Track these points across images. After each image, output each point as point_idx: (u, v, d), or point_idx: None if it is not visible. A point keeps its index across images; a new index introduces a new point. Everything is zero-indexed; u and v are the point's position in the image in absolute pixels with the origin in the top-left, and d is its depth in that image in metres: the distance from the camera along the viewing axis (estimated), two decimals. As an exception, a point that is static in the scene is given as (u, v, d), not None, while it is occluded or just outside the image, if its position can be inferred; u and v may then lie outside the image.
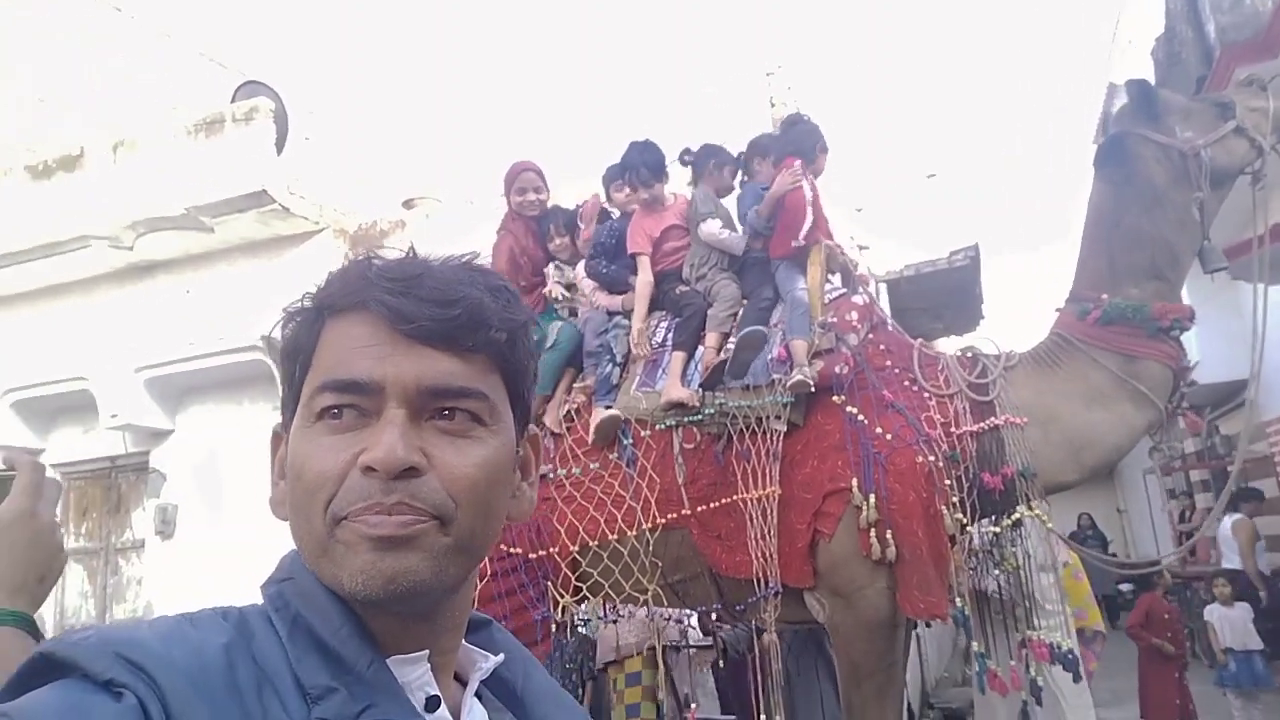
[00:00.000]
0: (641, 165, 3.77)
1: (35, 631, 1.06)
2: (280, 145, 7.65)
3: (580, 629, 4.95)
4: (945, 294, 10.72)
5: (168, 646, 0.67)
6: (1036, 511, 3.03)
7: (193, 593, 7.89)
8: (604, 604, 3.79)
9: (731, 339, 3.42)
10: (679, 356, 3.44)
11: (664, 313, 3.68)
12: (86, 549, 8.19)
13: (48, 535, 1.12)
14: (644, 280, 3.69)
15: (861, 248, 9.72)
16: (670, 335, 3.53)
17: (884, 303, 9.89)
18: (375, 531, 0.73)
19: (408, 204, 8.17)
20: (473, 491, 0.78)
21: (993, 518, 3.20)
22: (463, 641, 0.87)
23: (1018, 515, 3.05)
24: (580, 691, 5.75)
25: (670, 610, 4.65)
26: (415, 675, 0.77)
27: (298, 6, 12.76)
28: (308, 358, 0.81)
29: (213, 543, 7.60)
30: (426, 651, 0.78)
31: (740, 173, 3.92)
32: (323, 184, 8.04)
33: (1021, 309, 3.36)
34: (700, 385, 3.33)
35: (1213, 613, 7.57)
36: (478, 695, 0.86)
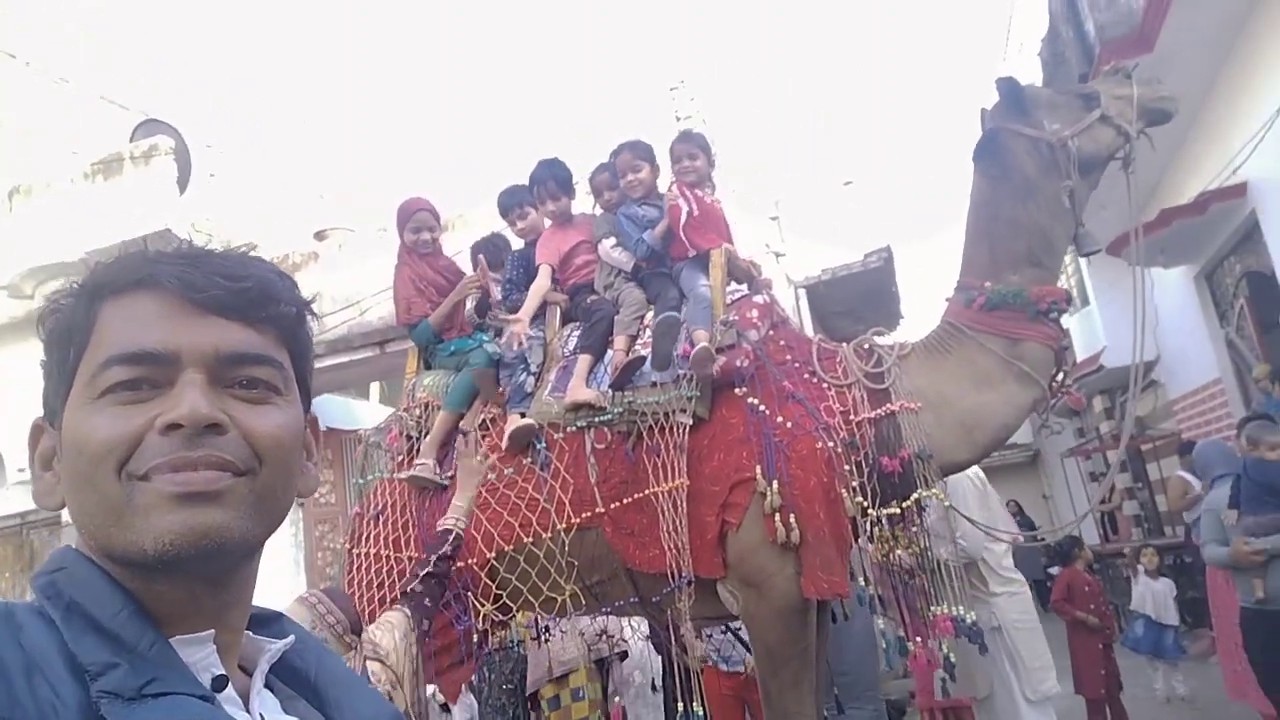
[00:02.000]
0: (550, 179, 3.87)
1: None
2: (183, 183, 7.53)
3: (512, 649, 4.94)
4: (862, 296, 11.02)
5: None
6: (934, 491, 3.15)
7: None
8: (534, 620, 3.82)
9: (643, 336, 3.50)
10: (584, 359, 3.51)
11: (575, 324, 3.75)
12: (0, 611, 7.85)
13: None
14: (538, 285, 3.78)
15: (777, 255, 9.95)
16: (615, 328, 3.58)
17: (804, 307, 10.14)
18: (183, 489, 0.73)
19: (319, 235, 8.11)
20: (277, 449, 0.79)
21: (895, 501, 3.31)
22: (249, 633, 0.86)
23: (916, 496, 3.16)
24: (517, 714, 5.71)
25: (601, 623, 4.70)
26: (200, 655, 0.76)
27: (197, 43, 12.54)
28: (83, 339, 0.78)
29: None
30: (211, 632, 0.77)
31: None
32: (230, 220, 7.92)
33: (941, 299, 3.55)
34: (610, 386, 3.39)
35: (1140, 582, 7.88)
36: (268, 686, 0.84)
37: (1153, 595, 7.68)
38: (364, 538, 3.63)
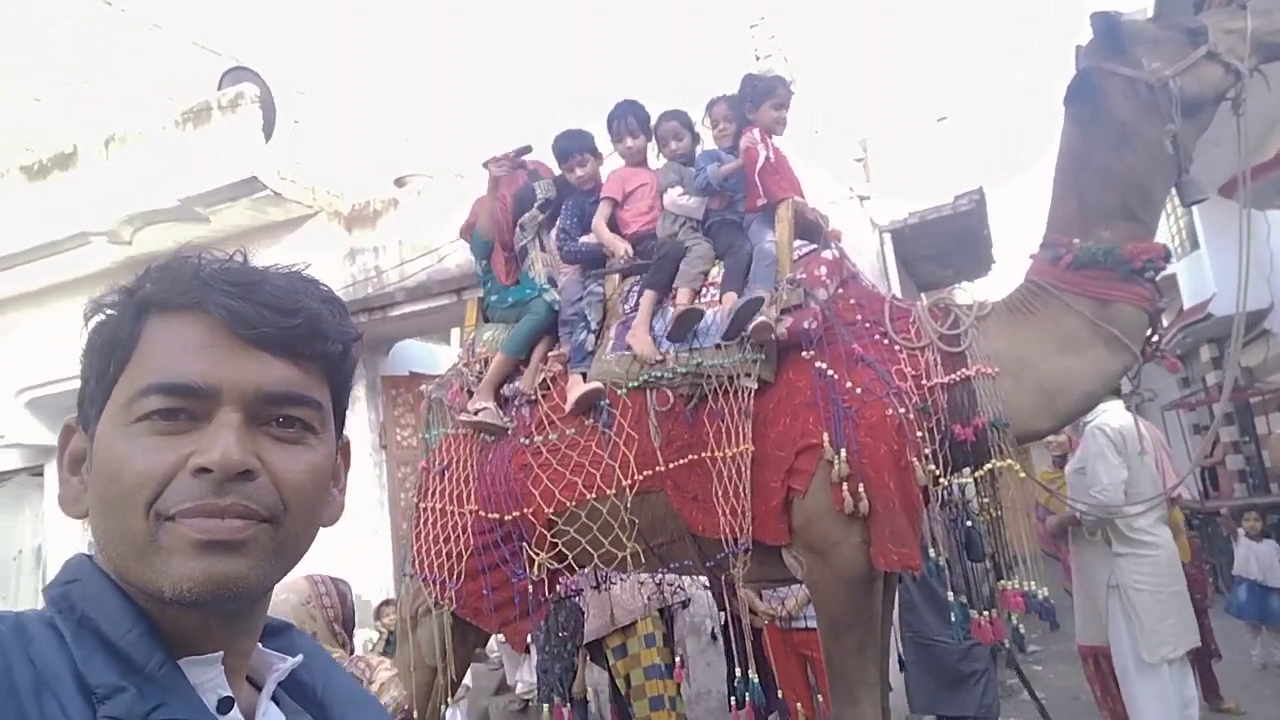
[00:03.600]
0: (630, 114, 3.79)
1: None
2: (268, 131, 7.66)
3: (568, 599, 5.03)
4: (952, 240, 10.59)
5: None
6: (1009, 462, 3.01)
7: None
8: (593, 572, 3.85)
9: (707, 295, 3.41)
10: (649, 296, 3.44)
11: (636, 278, 3.66)
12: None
13: None
14: (600, 218, 3.73)
15: (861, 198, 9.60)
16: (677, 280, 3.50)
17: (889, 253, 9.80)
18: (207, 536, 0.73)
19: (399, 182, 8.17)
20: (301, 496, 0.80)
21: (967, 469, 3.18)
22: (259, 646, 0.87)
23: (990, 466, 3.03)
24: (573, 662, 5.84)
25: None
26: (208, 677, 0.77)
27: (285, -12, 12.69)
28: (126, 353, 0.79)
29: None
30: (220, 654, 0.78)
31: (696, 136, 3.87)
32: (314, 167, 8.05)
33: (1036, 243, 3.38)
34: (669, 338, 3.32)
35: (1241, 545, 7.53)
36: (275, 700, 0.85)
37: (1256, 557, 7.32)
38: (430, 493, 3.69)
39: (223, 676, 0.78)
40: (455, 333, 9.05)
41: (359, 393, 7.81)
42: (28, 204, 7.95)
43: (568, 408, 3.45)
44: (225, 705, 0.77)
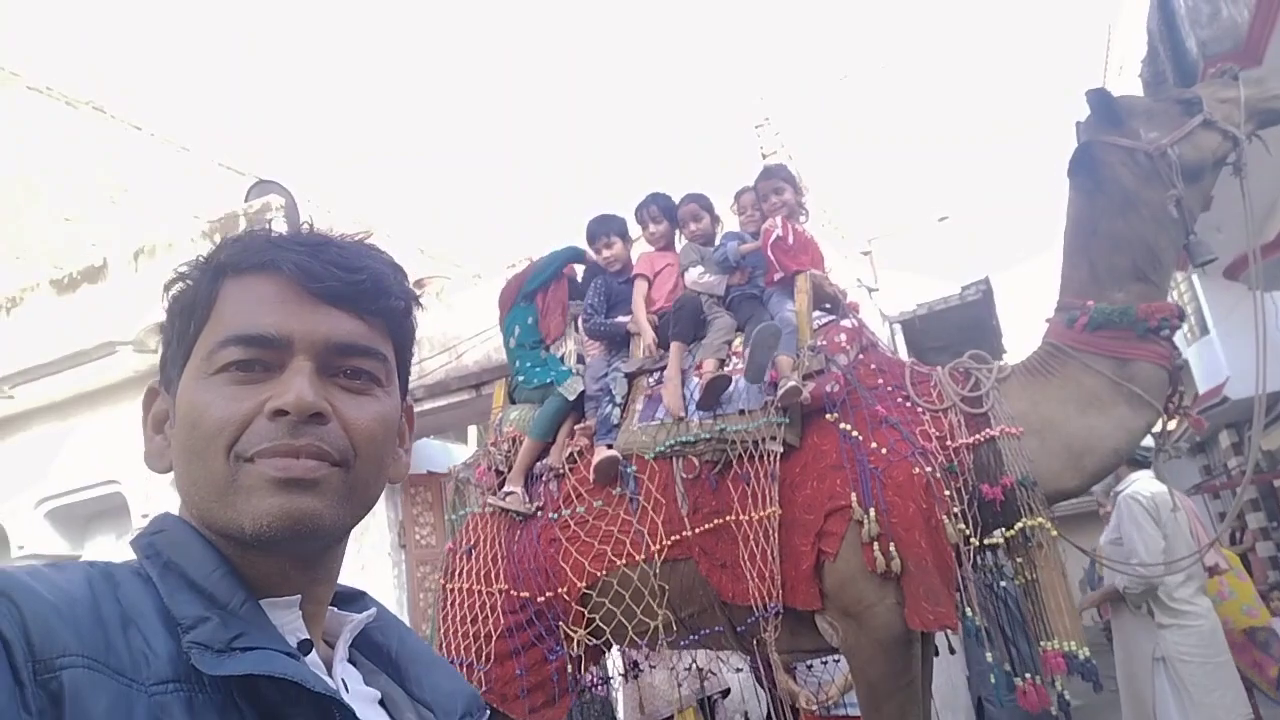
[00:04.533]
0: (654, 203, 4.01)
1: None
2: (292, 238, 7.91)
3: (607, 682, 4.91)
4: (961, 329, 10.69)
5: (33, 578, 0.69)
6: (1040, 520, 3.00)
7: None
8: (624, 657, 3.77)
9: (730, 364, 3.48)
10: (676, 347, 3.55)
11: (664, 352, 3.75)
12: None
13: None
14: (638, 296, 3.85)
15: (870, 290, 9.78)
16: (701, 352, 3.59)
17: (900, 343, 9.91)
18: (284, 474, 0.77)
19: (418, 284, 8.36)
20: (371, 443, 0.83)
21: (998, 532, 3.16)
22: (333, 608, 0.89)
23: (1021, 525, 3.01)
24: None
25: (700, 659, 4.62)
26: (287, 619, 0.80)
27: (305, 108, 13.31)
28: (204, 313, 0.83)
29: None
30: (298, 596, 0.81)
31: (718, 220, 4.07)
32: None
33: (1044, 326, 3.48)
34: (697, 407, 3.37)
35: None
36: (350, 660, 0.87)
37: None
38: (457, 573, 3.67)
39: (300, 620, 0.81)
40: (473, 431, 9.10)
41: (377, 491, 7.82)
42: (56, 316, 8.17)
43: (590, 477, 3.48)
44: (305, 647, 0.79)
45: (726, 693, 5.40)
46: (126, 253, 8.28)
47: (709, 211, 4.00)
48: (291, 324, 0.81)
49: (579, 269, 4.20)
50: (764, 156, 7.45)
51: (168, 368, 0.87)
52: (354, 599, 0.94)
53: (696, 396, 3.38)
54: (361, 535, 7.70)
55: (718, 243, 3.94)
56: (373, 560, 7.59)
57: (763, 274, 3.73)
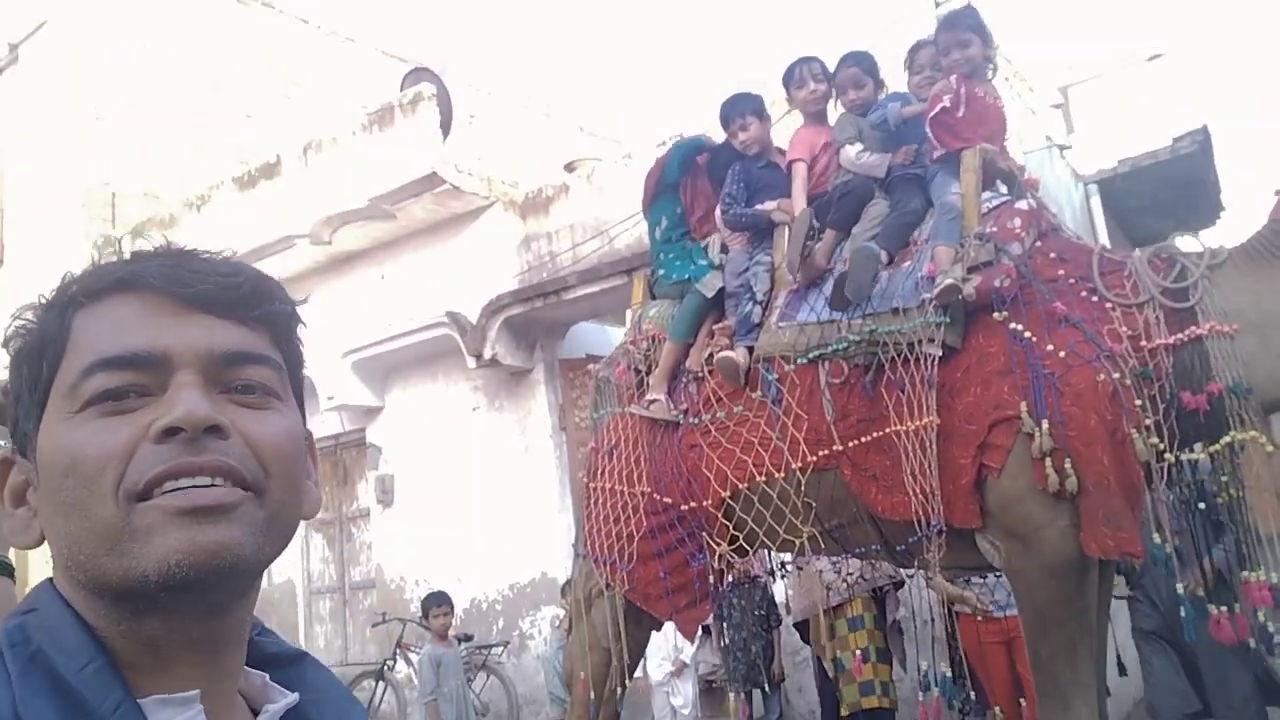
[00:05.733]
0: (813, 60, 3.62)
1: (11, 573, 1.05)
2: (446, 128, 7.91)
3: (770, 576, 4.86)
4: (1172, 188, 9.52)
5: None
6: (1252, 434, 2.56)
7: (415, 554, 8.40)
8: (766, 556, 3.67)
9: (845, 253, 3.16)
10: (830, 235, 3.28)
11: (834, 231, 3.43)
12: (323, 520, 9.03)
13: None
14: (799, 189, 3.49)
15: (1061, 148, 8.78)
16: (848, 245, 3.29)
17: (1096, 206, 8.93)
18: (189, 504, 0.65)
19: (569, 167, 8.25)
20: (282, 460, 0.71)
21: (1199, 444, 2.74)
22: (265, 678, 0.77)
23: (1228, 439, 2.59)
24: (766, 641, 5.69)
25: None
26: (182, 718, 0.66)
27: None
28: (57, 351, 0.71)
29: (428, 507, 8.17)
30: (197, 692, 0.67)
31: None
32: (490, 159, 8.27)
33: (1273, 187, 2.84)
34: (829, 306, 3.09)
35: None
36: None
37: None
38: (600, 472, 3.64)
39: (201, 717, 0.67)
40: (629, 313, 9.08)
41: (538, 376, 7.98)
42: (239, 212, 8.66)
43: (717, 373, 3.31)
44: None
45: (900, 584, 5.25)
46: (297, 148, 8.58)
47: (872, 76, 3.53)
48: (166, 337, 0.69)
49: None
50: (938, 4, 6.64)
51: (20, 425, 0.74)
52: (291, 663, 0.81)
53: (830, 296, 3.09)
54: (524, 418, 7.94)
55: (878, 104, 3.48)
56: (535, 443, 7.82)
57: (930, 148, 3.29)
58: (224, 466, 0.66)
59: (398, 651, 7.54)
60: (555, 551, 7.55)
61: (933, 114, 3.09)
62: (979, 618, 4.51)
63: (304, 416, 0.81)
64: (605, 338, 8.87)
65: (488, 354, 7.59)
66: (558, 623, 7.21)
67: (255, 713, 0.75)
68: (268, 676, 0.77)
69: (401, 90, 8.57)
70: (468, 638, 7.12)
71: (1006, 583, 4.29)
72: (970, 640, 4.52)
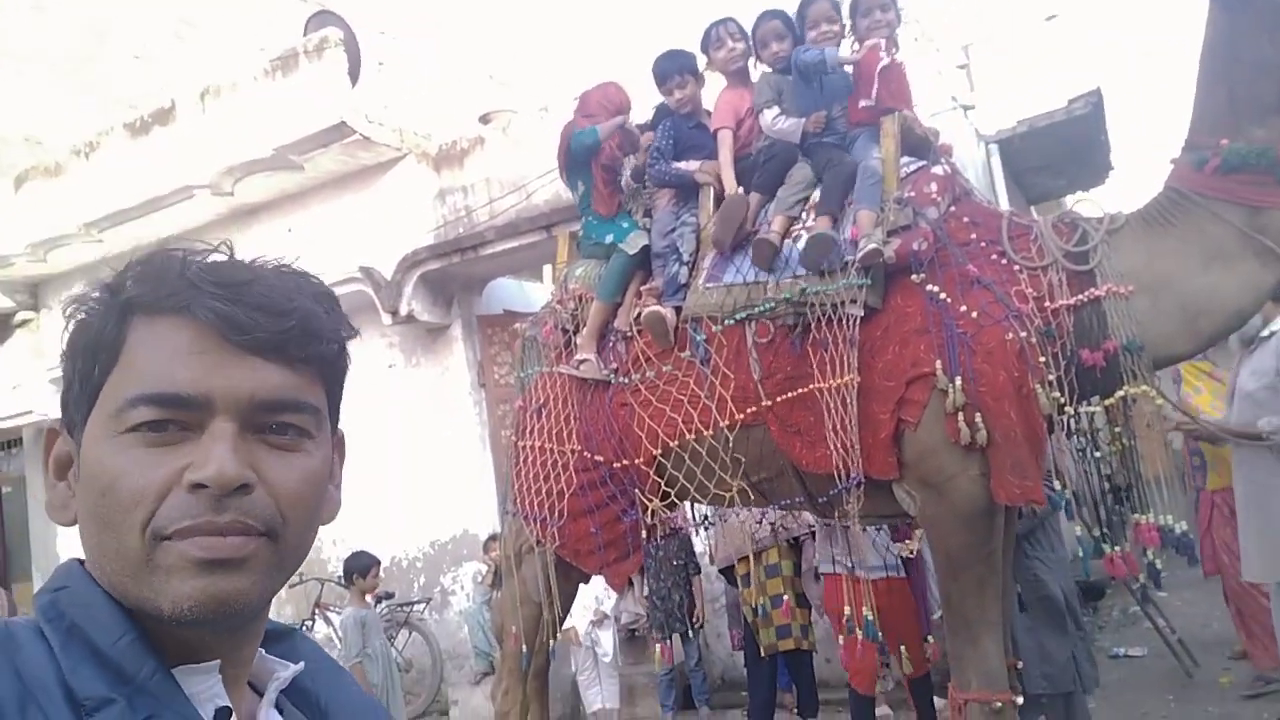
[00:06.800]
0: (729, 20, 3.61)
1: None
2: (354, 75, 7.64)
3: (690, 529, 5.00)
4: (1066, 148, 9.94)
5: None
6: (1144, 388, 2.77)
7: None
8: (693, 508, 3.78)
9: (806, 221, 3.23)
10: (755, 198, 3.36)
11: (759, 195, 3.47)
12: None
13: None
14: (726, 158, 3.52)
15: (965, 108, 9.05)
16: (773, 208, 3.35)
17: (996, 164, 9.25)
18: (207, 555, 0.70)
19: (485, 119, 8.08)
20: (300, 506, 0.77)
21: (1096, 398, 2.95)
22: (261, 651, 0.84)
23: (1122, 393, 2.79)
24: (686, 590, 5.87)
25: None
26: (205, 686, 0.74)
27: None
28: (111, 357, 0.75)
29: (346, 466, 8.02)
30: (218, 662, 0.75)
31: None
32: (401, 109, 8.02)
33: (1162, 154, 3.02)
34: (755, 268, 3.18)
35: None
36: (278, 707, 0.83)
37: None
38: (528, 431, 3.67)
39: (220, 686, 0.75)
40: (548, 269, 9.02)
41: (456, 332, 7.90)
42: (133, 160, 8.19)
43: (646, 333, 3.37)
44: (223, 715, 0.74)
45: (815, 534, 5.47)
46: (194, 93, 8.16)
47: (792, 32, 3.53)
48: (211, 380, 0.73)
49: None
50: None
51: (69, 409, 0.78)
52: (282, 638, 0.88)
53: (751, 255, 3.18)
54: (442, 375, 7.86)
55: (797, 52, 3.49)
56: (453, 400, 7.76)
57: (843, 114, 3.37)
58: (243, 527, 0.72)
59: (316, 612, 7.48)
60: (477, 507, 7.56)
61: (880, 68, 3.17)
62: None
63: (338, 419, 0.85)
64: (523, 293, 8.81)
65: (404, 310, 7.46)
66: (480, 578, 7.26)
67: (252, 686, 0.82)
68: (263, 651, 0.84)
69: (305, 34, 8.22)
70: (389, 595, 7.10)
71: (878, 546, 4.53)
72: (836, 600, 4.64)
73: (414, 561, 7.91)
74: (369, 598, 5.91)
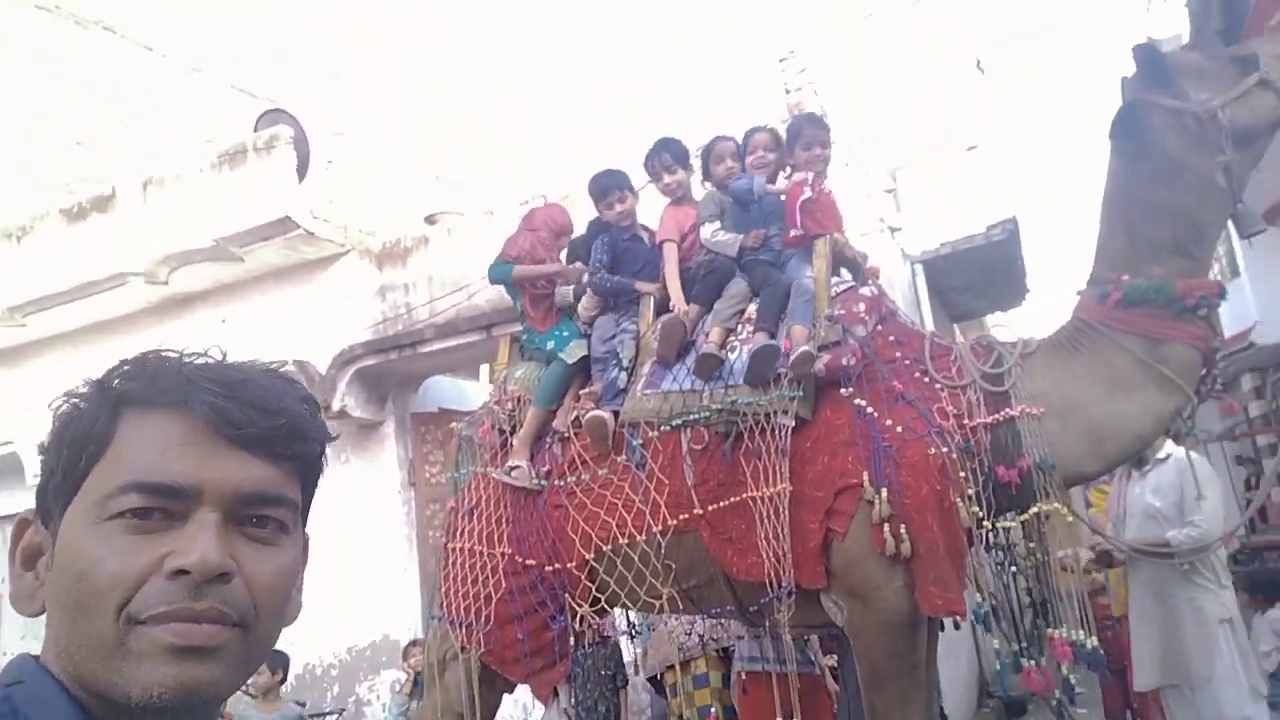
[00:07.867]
0: (665, 151, 3.77)
1: None
2: (302, 171, 7.74)
3: (623, 635, 4.92)
4: (986, 270, 10.48)
5: None
6: (1056, 505, 2.90)
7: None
8: (626, 616, 3.75)
9: (742, 333, 3.36)
10: (694, 309, 3.48)
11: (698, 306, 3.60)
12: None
13: None
14: (671, 269, 3.66)
15: (893, 229, 9.53)
16: (710, 320, 3.47)
17: (921, 283, 9.69)
18: (181, 641, 0.71)
19: (430, 219, 8.21)
20: (273, 600, 0.79)
21: (1011, 514, 3.07)
22: None
23: (1036, 509, 2.92)
24: (613, 701, 5.74)
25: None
26: None
27: (319, 31, 12.92)
28: (100, 448, 0.77)
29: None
30: None
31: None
32: (347, 206, 8.12)
33: (1073, 279, 3.32)
34: (691, 376, 3.27)
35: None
36: None
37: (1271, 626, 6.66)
38: (459, 533, 3.63)
39: None
40: (485, 369, 9.04)
41: (389, 429, 7.81)
42: (66, 246, 8.06)
43: (583, 436, 3.41)
44: None
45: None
46: (136, 182, 8.14)
47: (740, 160, 3.76)
48: (202, 473, 0.76)
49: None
50: (788, 92, 7.15)
51: (48, 499, 0.80)
52: None
53: (694, 368, 3.28)
54: (371, 473, 7.72)
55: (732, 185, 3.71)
56: (381, 498, 7.62)
57: (779, 234, 3.56)
58: (219, 615, 0.74)
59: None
60: (399, 611, 7.33)
61: (802, 201, 3.37)
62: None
63: (306, 519, 0.89)
64: (459, 392, 8.79)
65: (336, 406, 7.37)
66: (399, 687, 6.97)
67: None
68: None
69: (256, 130, 8.33)
70: (300, 704, 6.76)
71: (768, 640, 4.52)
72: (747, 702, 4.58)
73: (328, 669, 7.58)
74: (279, 701, 5.62)
